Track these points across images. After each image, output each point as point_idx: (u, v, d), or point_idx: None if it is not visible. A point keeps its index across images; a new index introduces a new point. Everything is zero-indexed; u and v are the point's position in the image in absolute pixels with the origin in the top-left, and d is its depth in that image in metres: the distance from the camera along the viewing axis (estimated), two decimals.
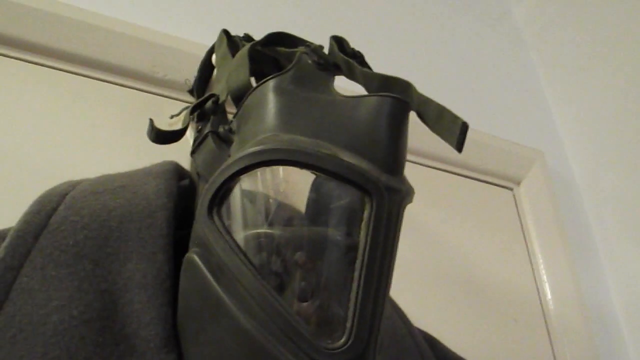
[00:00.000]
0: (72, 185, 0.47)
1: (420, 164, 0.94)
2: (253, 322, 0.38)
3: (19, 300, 0.38)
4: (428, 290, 0.80)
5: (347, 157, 0.39)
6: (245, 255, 0.39)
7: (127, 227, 0.44)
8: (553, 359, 0.89)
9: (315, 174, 0.41)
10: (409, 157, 0.84)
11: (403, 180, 0.40)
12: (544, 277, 0.96)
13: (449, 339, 0.69)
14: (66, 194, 0.46)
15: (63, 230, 0.42)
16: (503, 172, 1.00)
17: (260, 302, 0.38)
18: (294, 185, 0.44)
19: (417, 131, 0.44)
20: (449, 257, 0.85)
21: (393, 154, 0.40)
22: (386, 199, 0.38)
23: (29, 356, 0.36)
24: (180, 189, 0.49)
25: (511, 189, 1.04)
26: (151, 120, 0.51)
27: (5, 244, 0.40)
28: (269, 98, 0.43)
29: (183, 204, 0.48)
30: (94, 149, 0.64)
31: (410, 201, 0.42)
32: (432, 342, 0.63)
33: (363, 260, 0.38)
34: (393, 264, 0.40)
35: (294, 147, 0.39)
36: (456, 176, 0.97)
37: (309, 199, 0.44)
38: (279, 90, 0.43)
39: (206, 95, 0.50)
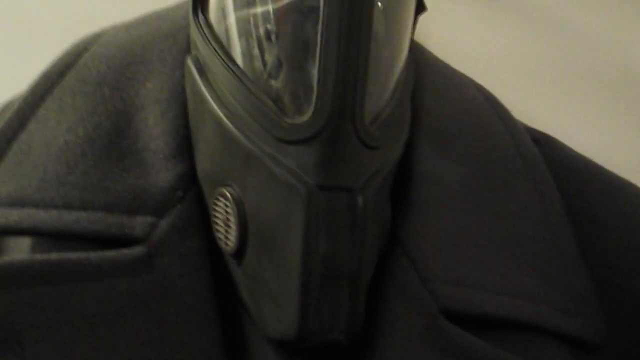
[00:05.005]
0: (112, 27, 0.49)
1: None
2: (225, 110, 0.37)
3: (34, 129, 0.41)
4: (580, 93, 0.68)
5: None
6: (217, 43, 0.38)
7: (150, 50, 0.45)
8: None
9: None
10: None
11: None
12: None
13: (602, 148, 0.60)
14: (102, 34, 0.47)
15: (88, 65, 0.44)
16: None
17: (229, 88, 0.37)
18: None
19: None
20: (603, 55, 0.69)
21: None
22: None
23: (30, 174, 0.39)
24: None
25: None
26: None
27: (31, 83, 0.44)
28: None
29: None
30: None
31: None
32: (546, 141, 0.53)
33: (323, 18, 0.33)
34: (366, 20, 0.33)
35: None
36: None
37: None
38: None
39: None
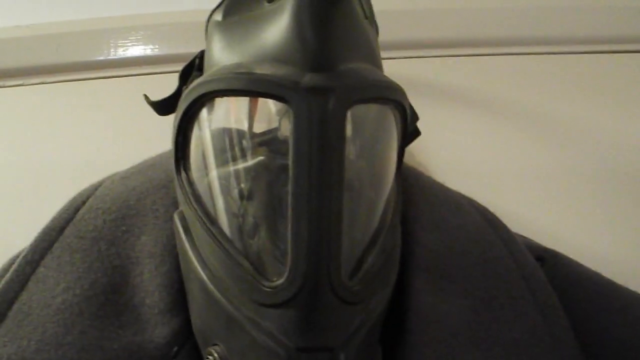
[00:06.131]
0: (110, 177, 0.50)
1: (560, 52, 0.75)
2: (207, 271, 0.37)
3: (33, 289, 0.42)
4: (587, 197, 0.65)
5: (264, 69, 0.34)
6: (198, 202, 0.39)
7: (144, 202, 0.46)
8: None
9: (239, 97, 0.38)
10: (546, 48, 0.71)
11: (339, 76, 0.34)
12: None
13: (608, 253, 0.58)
14: (100, 186, 0.49)
15: (86, 219, 0.45)
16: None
17: (209, 249, 0.37)
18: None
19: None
20: (613, 153, 0.68)
21: (318, 48, 0.33)
22: (307, 102, 0.32)
23: (29, 336, 0.39)
24: None
25: None
26: (145, 96, 0.50)
27: (32, 241, 0.45)
28: (209, 34, 0.42)
29: None
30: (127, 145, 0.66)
31: (361, 96, 0.35)
32: (551, 258, 0.51)
33: (292, 177, 0.33)
34: (336, 176, 0.33)
35: (210, 78, 0.37)
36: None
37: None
38: (215, 24, 0.42)
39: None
